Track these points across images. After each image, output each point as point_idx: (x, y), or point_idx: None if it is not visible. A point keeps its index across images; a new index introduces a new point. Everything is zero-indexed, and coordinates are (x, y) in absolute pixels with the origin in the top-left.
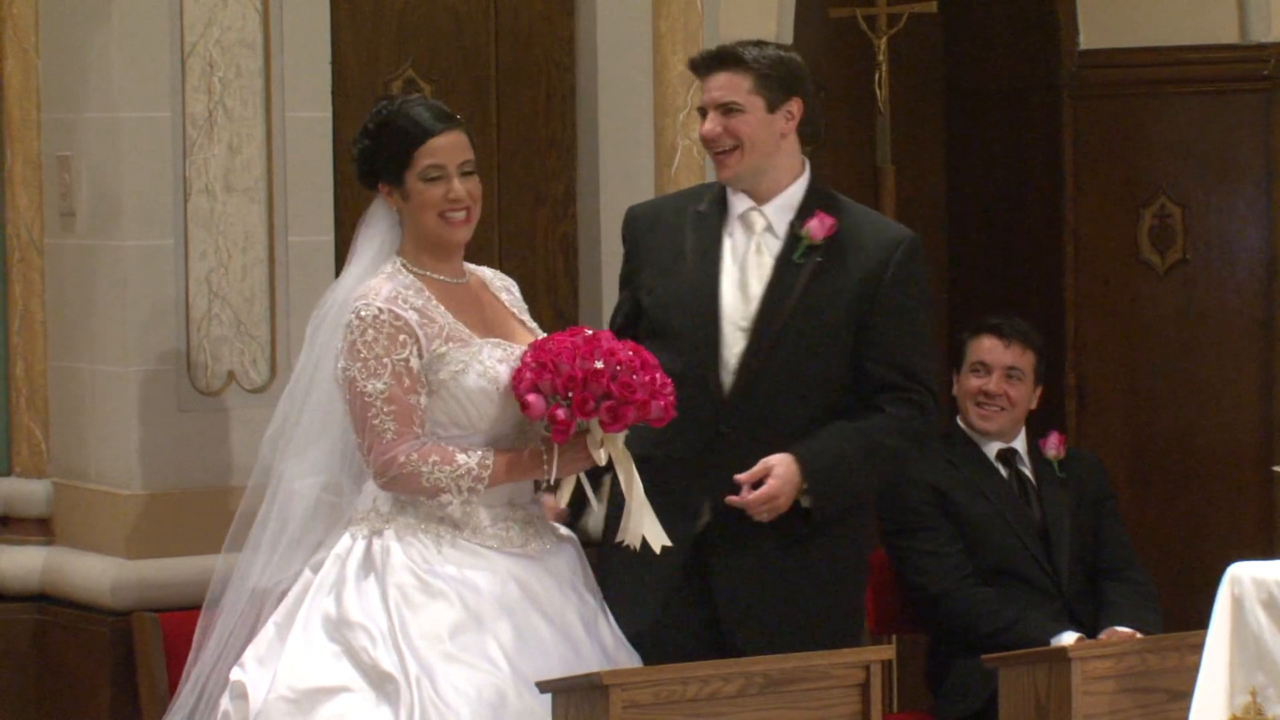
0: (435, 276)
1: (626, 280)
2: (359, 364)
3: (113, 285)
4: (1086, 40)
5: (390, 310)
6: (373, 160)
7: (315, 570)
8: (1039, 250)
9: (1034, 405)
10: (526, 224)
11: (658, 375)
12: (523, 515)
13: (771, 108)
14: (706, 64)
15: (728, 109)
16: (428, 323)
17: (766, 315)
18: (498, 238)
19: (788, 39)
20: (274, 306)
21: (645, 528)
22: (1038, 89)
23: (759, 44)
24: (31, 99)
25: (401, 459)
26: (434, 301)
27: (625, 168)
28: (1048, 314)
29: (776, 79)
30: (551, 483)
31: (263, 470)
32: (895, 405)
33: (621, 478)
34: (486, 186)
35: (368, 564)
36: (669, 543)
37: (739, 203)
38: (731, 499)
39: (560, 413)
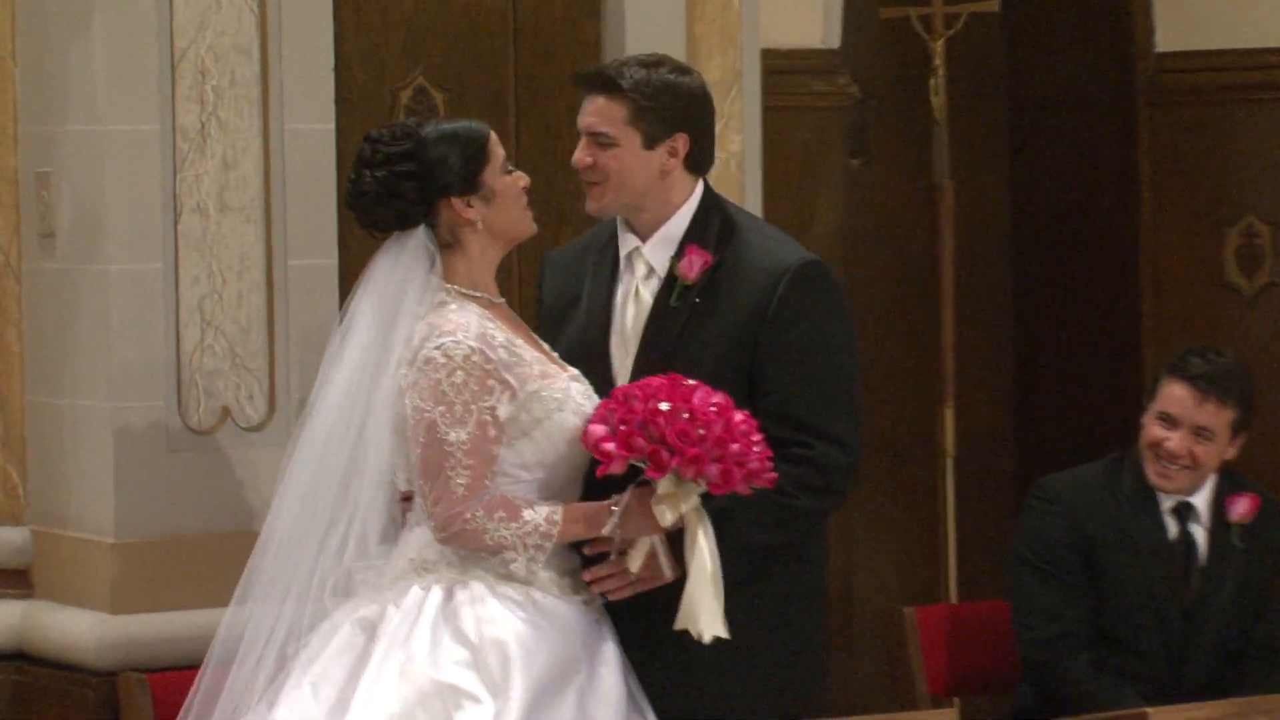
0: (494, 300)
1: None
2: (442, 408)
3: (96, 313)
4: (1164, 42)
5: (482, 351)
6: (435, 175)
7: (362, 626)
8: (1113, 274)
9: (1231, 456)
10: (548, 244)
11: (745, 444)
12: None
13: (650, 143)
14: (582, 83)
15: (598, 140)
16: (516, 361)
17: (641, 370)
18: (517, 259)
19: (834, 41)
20: (272, 336)
21: (704, 610)
22: (1110, 96)
23: (652, 64)
24: (7, 111)
25: (467, 515)
26: (509, 333)
27: None
28: (1123, 344)
29: (658, 111)
30: (616, 544)
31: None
32: (786, 463)
33: (688, 546)
34: None
35: (452, 617)
36: (725, 634)
37: (626, 241)
38: (584, 573)
39: (608, 444)
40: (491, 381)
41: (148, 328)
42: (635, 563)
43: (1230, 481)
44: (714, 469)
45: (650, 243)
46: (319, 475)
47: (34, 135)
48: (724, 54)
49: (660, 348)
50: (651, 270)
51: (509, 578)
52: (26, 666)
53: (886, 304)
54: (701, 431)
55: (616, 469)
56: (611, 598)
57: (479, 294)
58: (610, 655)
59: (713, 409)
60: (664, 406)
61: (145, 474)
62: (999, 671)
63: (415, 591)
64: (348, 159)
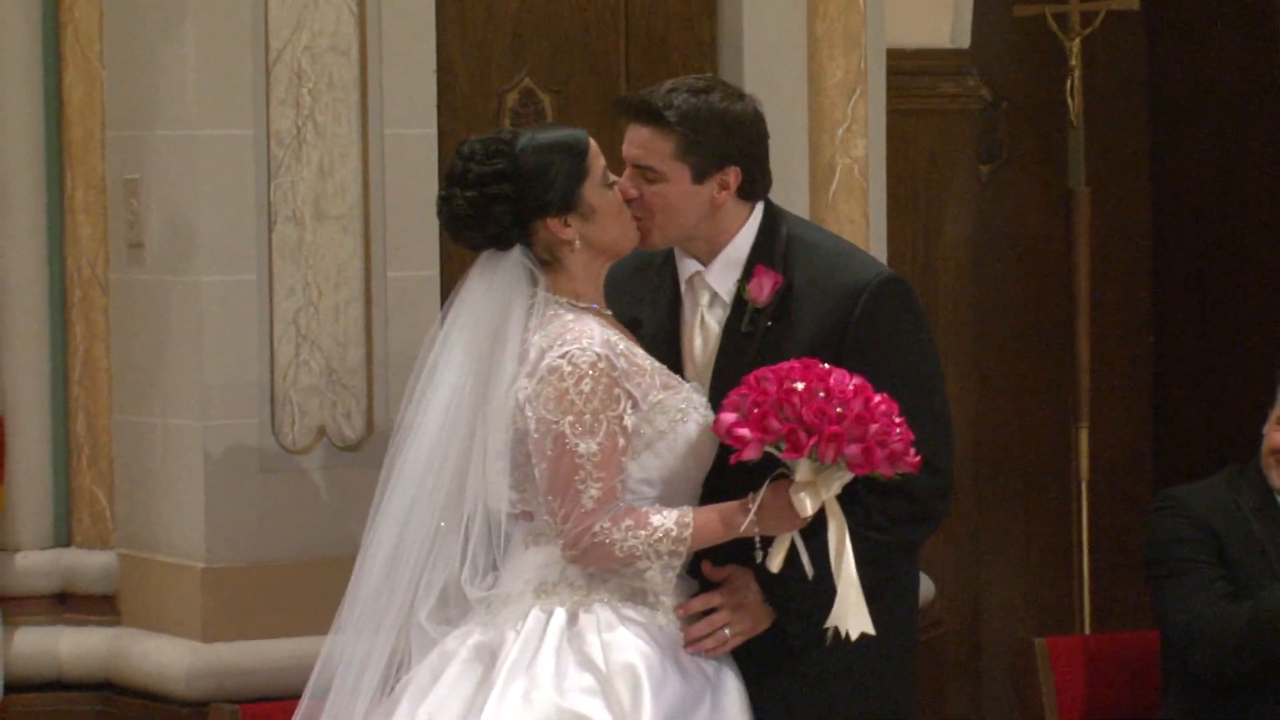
0: (605, 311)
1: None
2: (571, 418)
3: (186, 327)
4: None
5: (608, 358)
6: (530, 196)
7: (478, 654)
8: (1263, 286)
9: None
10: None
11: (886, 423)
12: None
13: (699, 178)
14: (626, 112)
15: (645, 173)
16: (637, 371)
17: (718, 402)
18: None
19: (964, 40)
20: (371, 352)
21: (851, 607)
22: (1257, 95)
23: (702, 90)
24: (95, 116)
25: (595, 528)
26: (629, 342)
27: (776, 191)
28: (1270, 359)
29: (707, 144)
30: (758, 543)
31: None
32: (875, 494)
33: (831, 541)
34: None
35: (577, 641)
36: (871, 630)
37: (685, 265)
38: (684, 634)
39: (741, 430)
40: (618, 390)
41: (240, 342)
42: (776, 562)
43: None
44: (855, 449)
45: (713, 268)
46: (417, 502)
47: (122, 140)
48: (847, 54)
49: (736, 375)
50: (715, 296)
51: (634, 598)
52: (113, 697)
53: (1018, 318)
54: (839, 410)
55: (751, 455)
56: (710, 656)
57: (587, 304)
58: (732, 685)
59: (851, 388)
60: (799, 386)
61: (237, 496)
62: (1137, 707)
63: (536, 614)
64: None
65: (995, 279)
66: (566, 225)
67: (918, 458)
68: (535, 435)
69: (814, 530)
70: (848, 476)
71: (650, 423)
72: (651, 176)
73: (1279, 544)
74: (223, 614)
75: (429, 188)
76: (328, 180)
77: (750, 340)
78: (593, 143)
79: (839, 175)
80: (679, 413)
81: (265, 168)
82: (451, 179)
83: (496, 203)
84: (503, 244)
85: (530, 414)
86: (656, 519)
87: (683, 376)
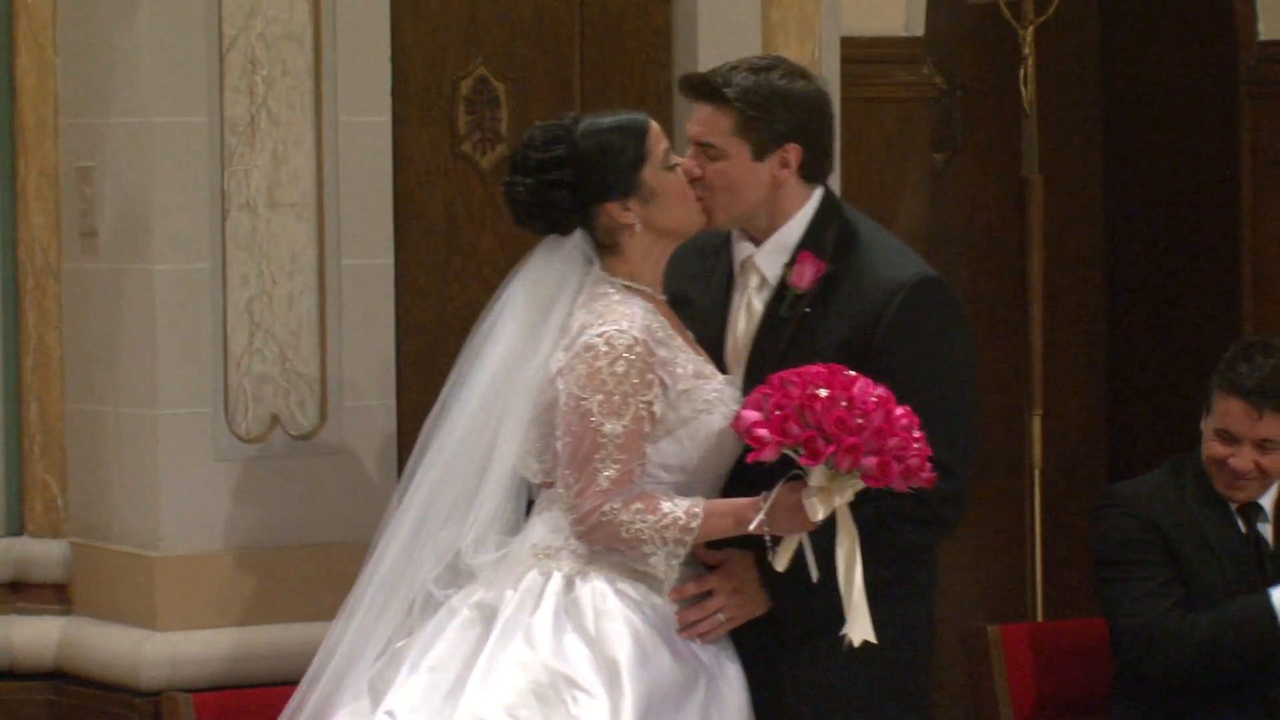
0: (657, 295)
1: None
2: (600, 396)
3: (140, 315)
4: (1267, 30)
5: (645, 343)
6: (589, 182)
7: (480, 611)
8: (1212, 274)
9: None
10: None
11: (905, 437)
12: None
13: (759, 154)
14: (688, 90)
15: (707, 151)
16: (673, 359)
17: (753, 382)
18: None
19: (918, 29)
20: (324, 340)
21: (856, 614)
22: (1210, 86)
23: (764, 68)
24: (48, 103)
25: (606, 508)
26: (669, 329)
27: None
28: (1223, 346)
29: (766, 121)
30: (768, 540)
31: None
32: (889, 496)
33: (840, 551)
34: None
35: (573, 609)
36: (873, 638)
37: (741, 249)
38: (678, 617)
39: (761, 430)
40: (651, 376)
41: (193, 331)
42: (782, 561)
43: None
44: (871, 461)
45: (763, 251)
46: (450, 471)
47: (75, 128)
48: (801, 42)
49: (770, 358)
50: (764, 280)
51: (635, 576)
52: (65, 686)
53: (972, 305)
54: (860, 421)
55: (768, 456)
56: (703, 640)
57: (644, 288)
58: (733, 673)
59: (873, 399)
60: (822, 393)
61: (190, 485)
62: (1089, 694)
63: (534, 575)
64: (404, 153)
65: (949, 267)
66: (627, 209)
67: (933, 474)
68: (565, 409)
69: (823, 534)
70: (861, 485)
71: (675, 409)
72: (713, 154)
73: (1224, 537)
74: (175, 603)
75: (383, 175)
76: (282, 168)
77: (787, 324)
78: (654, 125)
79: None
80: (705, 404)
81: (219, 155)
82: (514, 166)
83: (556, 188)
84: (563, 229)
85: (561, 386)
86: (667, 505)
87: (724, 356)
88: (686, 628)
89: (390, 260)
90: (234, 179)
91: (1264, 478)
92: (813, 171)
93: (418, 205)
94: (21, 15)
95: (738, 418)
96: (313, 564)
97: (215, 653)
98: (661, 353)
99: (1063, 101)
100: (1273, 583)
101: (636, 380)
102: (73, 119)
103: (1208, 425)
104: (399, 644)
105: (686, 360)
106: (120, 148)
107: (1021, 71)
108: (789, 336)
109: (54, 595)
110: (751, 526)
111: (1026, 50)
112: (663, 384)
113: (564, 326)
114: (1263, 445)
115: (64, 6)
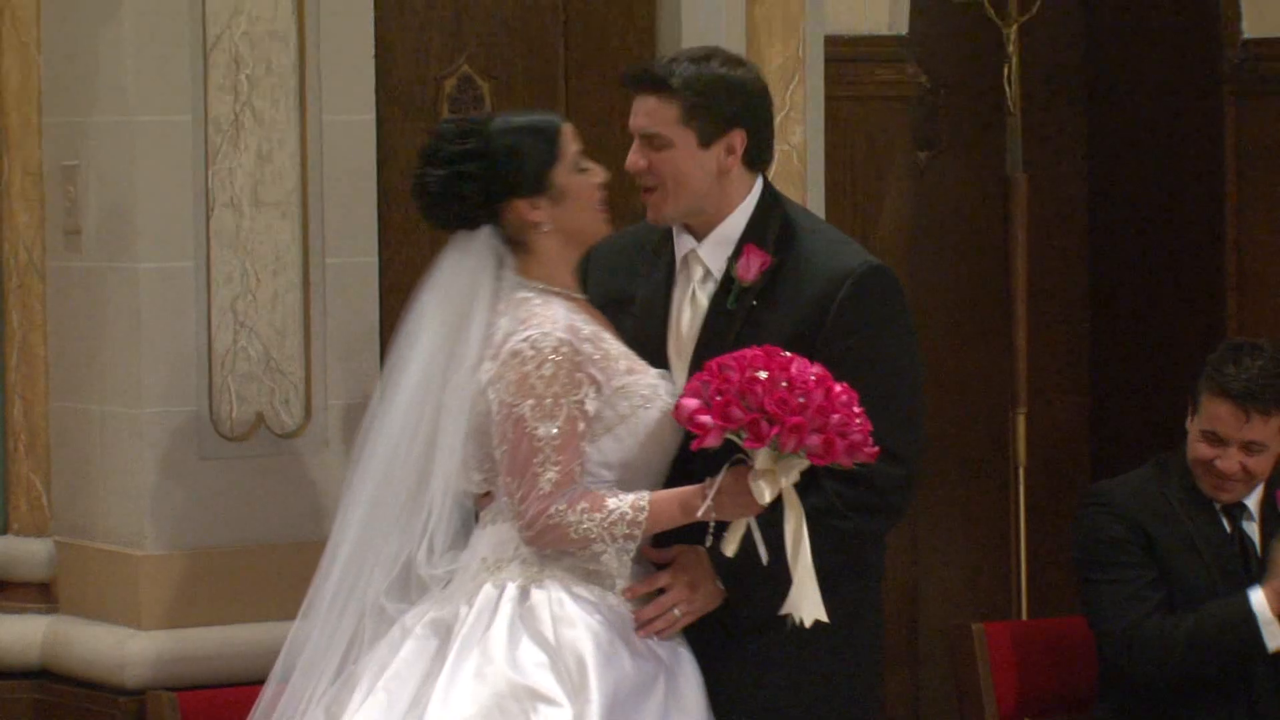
0: (574, 295)
1: None
2: (531, 401)
3: (124, 314)
4: (1251, 28)
5: (570, 343)
6: (499, 177)
7: (434, 629)
8: (1196, 271)
9: None
10: None
11: (847, 414)
12: None
13: (705, 142)
14: (631, 83)
15: (652, 141)
16: (603, 356)
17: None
18: None
19: (902, 27)
20: (309, 338)
21: (807, 594)
22: (1194, 84)
23: (703, 58)
24: (32, 101)
25: (551, 510)
26: (595, 326)
27: None
28: (1207, 344)
29: (711, 108)
30: (711, 527)
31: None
32: (839, 481)
33: (788, 530)
34: None
35: (529, 617)
36: (825, 618)
37: (682, 242)
38: (634, 617)
39: (703, 416)
40: (580, 375)
41: (178, 330)
42: (731, 547)
43: (1278, 473)
44: (815, 439)
45: (705, 243)
46: (385, 485)
47: (59, 127)
48: (785, 41)
49: (716, 352)
50: (708, 273)
51: (588, 578)
52: (50, 685)
53: (956, 304)
54: (802, 400)
55: (712, 442)
56: (661, 637)
57: (559, 289)
58: (689, 669)
59: (812, 378)
60: (762, 375)
61: (175, 483)
62: (1073, 691)
63: (488, 590)
64: (388, 151)
65: (933, 265)
66: (536, 208)
67: (876, 448)
68: (498, 418)
69: (771, 517)
70: (806, 465)
71: (613, 406)
72: (659, 144)
73: (1209, 537)
74: (160, 602)
75: (367, 174)
76: (266, 166)
77: (734, 317)
78: (567, 127)
79: (777, 161)
80: (642, 398)
81: (203, 154)
82: (424, 158)
83: (466, 181)
84: (471, 224)
85: (492, 396)
86: (612, 502)
87: (667, 351)
88: (643, 625)
89: (375, 259)
90: (218, 177)
91: (1250, 479)
92: (755, 158)
93: (402, 204)
94: (5, 14)
95: (678, 406)
96: (297, 562)
97: (200, 651)
98: (589, 350)
99: (1047, 100)
100: (1257, 582)
101: (565, 381)
102: (57, 118)
103: (1194, 426)
104: (351, 667)
105: (618, 356)
106: (104, 146)
107: (1005, 70)
108: (737, 329)
109: (39, 594)
110: (699, 513)
111: (1010, 49)
112: (595, 381)
113: (488, 336)
114: (1249, 447)
115: (47, 5)
